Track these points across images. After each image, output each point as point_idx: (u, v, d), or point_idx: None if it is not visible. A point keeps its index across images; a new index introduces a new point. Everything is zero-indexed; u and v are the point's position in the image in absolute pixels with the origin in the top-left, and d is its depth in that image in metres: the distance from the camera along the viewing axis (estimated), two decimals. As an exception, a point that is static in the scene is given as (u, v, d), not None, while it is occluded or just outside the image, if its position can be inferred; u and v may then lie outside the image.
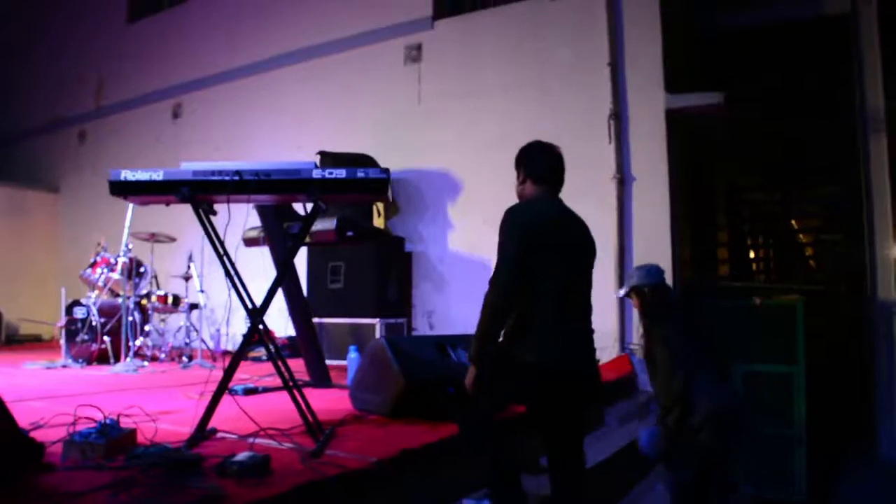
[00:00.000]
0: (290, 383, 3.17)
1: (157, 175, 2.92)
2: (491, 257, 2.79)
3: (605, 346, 6.59)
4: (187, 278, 7.28)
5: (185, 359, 6.92)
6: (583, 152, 6.81)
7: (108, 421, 2.90)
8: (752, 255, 12.18)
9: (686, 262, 7.20)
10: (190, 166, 2.94)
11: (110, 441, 2.76)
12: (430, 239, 7.68)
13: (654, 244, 6.52)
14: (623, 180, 6.68)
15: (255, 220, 5.18)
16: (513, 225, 2.88)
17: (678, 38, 7.03)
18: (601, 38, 6.79)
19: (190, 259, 7.27)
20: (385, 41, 8.33)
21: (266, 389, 4.81)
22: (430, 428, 3.51)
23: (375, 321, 6.62)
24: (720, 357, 4.27)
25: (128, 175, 2.94)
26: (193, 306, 7.32)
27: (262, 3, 9.61)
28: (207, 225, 3.07)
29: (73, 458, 2.69)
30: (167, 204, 3.10)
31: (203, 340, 7.27)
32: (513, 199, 3.46)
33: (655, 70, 6.62)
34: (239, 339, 7.60)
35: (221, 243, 3.13)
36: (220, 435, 3.22)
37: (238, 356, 3.12)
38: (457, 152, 7.64)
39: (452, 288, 7.47)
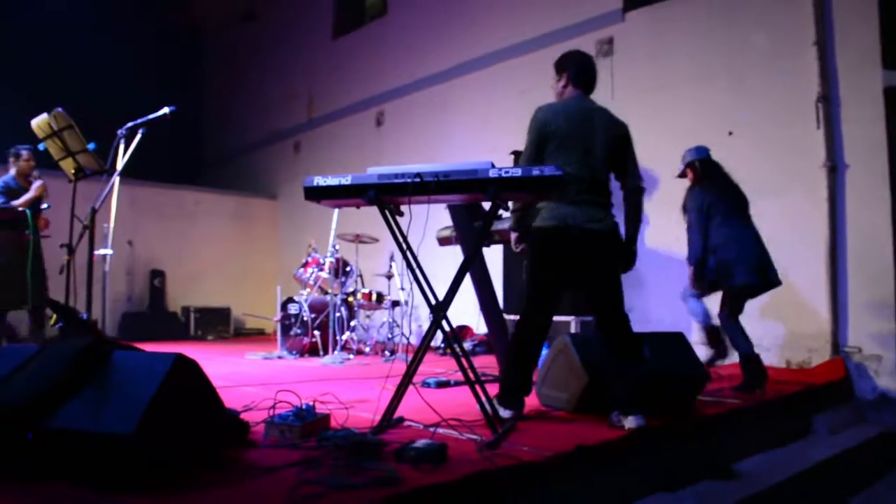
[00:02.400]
0: (472, 377, 3.27)
1: (346, 180, 3.13)
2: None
3: (816, 348, 6.15)
4: (389, 277, 7.67)
5: (387, 353, 7.29)
6: (786, 140, 6.39)
7: (304, 406, 3.15)
8: None
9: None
10: (375, 170, 3.12)
11: (305, 424, 3.00)
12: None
13: (871, 239, 5.96)
14: (834, 168, 6.16)
15: (448, 220, 5.36)
16: (533, 121, 3.59)
17: (896, 7, 6.38)
18: (805, 16, 6.30)
19: (391, 259, 7.65)
20: (575, 37, 8.25)
21: (458, 383, 4.97)
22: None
23: (570, 318, 6.59)
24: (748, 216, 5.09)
25: (319, 181, 3.17)
26: (395, 303, 7.70)
27: (455, 11, 9.91)
28: (392, 224, 3.25)
29: (272, 438, 2.96)
30: (357, 206, 3.32)
31: (404, 335, 7.61)
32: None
33: (871, 45, 6.01)
34: (438, 335, 7.90)
35: (406, 241, 3.30)
36: (406, 423, 3.39)
37: (421, 350, 3.26)
38: (650, 146, 7.36)
39: (649, 286, 7.26)
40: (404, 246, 3.26)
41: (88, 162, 4.07)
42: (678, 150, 7.09)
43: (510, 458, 2.72)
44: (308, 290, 7.68)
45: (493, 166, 3.04)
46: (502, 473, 2.57)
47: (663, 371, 3.83)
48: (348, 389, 4.56)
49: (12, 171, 6.29)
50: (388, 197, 3.16)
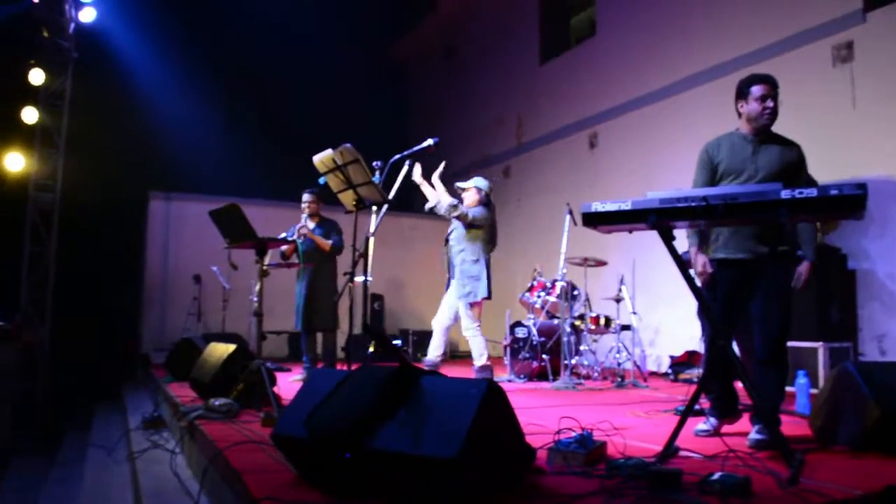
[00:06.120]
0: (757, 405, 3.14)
1: (626, 205, 3.12)
2: None
3: None
4: (618, 300, 7.55)
5: (618, 378, 7.15)
6: None
7: (584, 433, 3.16)
8: None
9: None
10: (656, 195, 3.08)
11: (589, 451, 3.01)
12: (876, 255, 6.91)
13: None
14: None
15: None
16: (700, 156, 4.03)
17: None
18: None
19: (622, 282, 7.54)
20: (808, 44, 7.77)
21: (702, 411, 4.78)
22: (912, 464, 3.20)
23: (817, 345, 6.18)
24: None
25: (598, 206, 3.18)
26: (625, 327, 7.56)
27: (668, 28, 9.65)
28: (672, 249, 3.20)
29: (557, 465, 3.00)
30: (630, 231, 3.30)
31: (634, 361, 7.41)
32: None
33: None
34: (666, 361, 7.69)
35: (684, 265, 3.24)
36: (682, 453, 3.30)
37: (704, 380, 3.18)
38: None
39: (905, 308, 6.66)
40: (689, 271, 3.19)
41: (370, 193, 4.35)
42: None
43: (819, 495, 2.57)
44: (535, 314, 7.74)
45: (783, 187, 2.90)
46: (819, 512, 2.44)
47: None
48: (596, 415, 4.51)
49: (305, 213, 7.29)
50: (670, 221, 3.12)
